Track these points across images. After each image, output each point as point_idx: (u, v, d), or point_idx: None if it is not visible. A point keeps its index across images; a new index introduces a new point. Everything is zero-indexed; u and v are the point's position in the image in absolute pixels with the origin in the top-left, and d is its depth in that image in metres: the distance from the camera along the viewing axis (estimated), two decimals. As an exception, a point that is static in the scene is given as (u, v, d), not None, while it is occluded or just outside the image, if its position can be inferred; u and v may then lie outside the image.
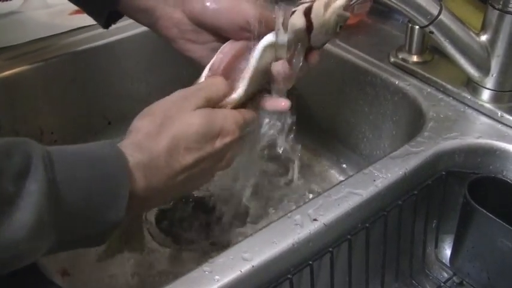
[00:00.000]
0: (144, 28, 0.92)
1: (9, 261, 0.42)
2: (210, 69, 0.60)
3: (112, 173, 0.47)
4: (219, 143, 0.55)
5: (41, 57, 0.85)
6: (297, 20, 0.59)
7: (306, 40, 0.60)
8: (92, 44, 0.89)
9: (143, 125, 0.53)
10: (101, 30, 0.91)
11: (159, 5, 0.63)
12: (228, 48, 0.60)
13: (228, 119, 0.56)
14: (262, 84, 0.62)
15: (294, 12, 0.59)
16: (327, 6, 0.59)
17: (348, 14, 0.61)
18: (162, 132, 0.52)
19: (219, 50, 0.61)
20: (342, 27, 0.61)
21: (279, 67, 0.59)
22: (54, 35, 0.90)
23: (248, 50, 0.60)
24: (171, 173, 0.52)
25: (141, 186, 0.50)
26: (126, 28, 0.93)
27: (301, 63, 0.61)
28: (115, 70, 0.92)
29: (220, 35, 0.63)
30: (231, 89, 0.59)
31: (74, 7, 0.96)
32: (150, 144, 0.51)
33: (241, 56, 0.60)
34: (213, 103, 0.56)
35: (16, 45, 0.87)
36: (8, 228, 0.40)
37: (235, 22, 0.60)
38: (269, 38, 0.59)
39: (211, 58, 0.61)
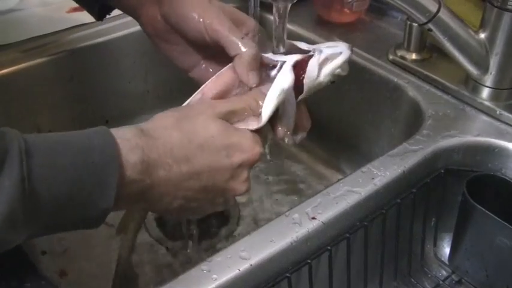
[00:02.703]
0: (141, 26, 0.93)
1: None
2: (202, 89, 0.56)
3: (98, 162, 0.45)
4: (236, 158, 0.51)
5: (39, 55, 0.85)
6: (284, 79, 0.55)
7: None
8: (90, 42, 0.89)
9: (159, 117, 0.51)
10: (98, 28, 0.91)
11: (141, 1, 0.63)
12: (207, 88, 0.56)
13: (247, 136, 0.53)
14: None
15: (282, 64, 0.55)
16: (321, 65, 0.55)
17: (346, 70, 0.57)
18: (176, 126, 0.50)
19: (199, 89, 0.56)
20: (334, 82, 0.57)
21: (282, 135, 0.57)
22: (51, 32, 0.89)
23: (233, 87, 0.56)
24: (178, 172, 0.49)
25: (136, 171, 0.47)
26: (124, 26, 0.93)
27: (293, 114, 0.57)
28: (113, 68, 0.92)
29: (189, 40, 0.61)
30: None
31: (72, 4, 0.96)
32: (161, 134, 0.49)
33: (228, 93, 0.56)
34: (236, 117, 0.53)
35: (13, 43, 0.86)
36: None
37: (197, 31, 0.58)
38: (279, 87, 0.54)
39: (181, 60, 0.61)
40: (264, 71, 0.57)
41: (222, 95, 0.56)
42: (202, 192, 0.52)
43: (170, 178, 0.49)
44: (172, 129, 0.50)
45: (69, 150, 0.44)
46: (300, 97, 0.56)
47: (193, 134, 0.50)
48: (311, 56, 0.56)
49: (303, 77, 0.55)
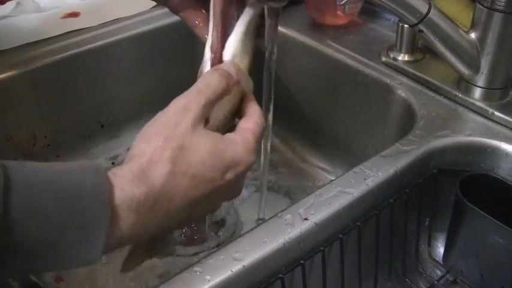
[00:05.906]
0: (136, 31, 0.94)
1: None
2: (210, 50, 0.57)
3: (86, 210, 0.41)
4: (231, 175, 0.50)
5: (33, 61, 0.85)
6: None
7: None
8: (84, 48, 0.89)
9: (143, 149, 0.47)
10: (93, 33, 0.92)
11: None
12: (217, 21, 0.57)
13: (239, 148, 0.50)
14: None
15: None
16: None
17: None
18: (163, 159, 0.46)
19: (210, 29, 0.57)
20: None
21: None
22: (46, 38, 0.90)
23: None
24: (171, 208, 0.47)
25: (129, 223, 0.44)
26: (118, 31, 0.93)
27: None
28: (107, 73, 0.93)
29: None
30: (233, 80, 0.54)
31: (66, 11, 0.97)
32: (151, 174, 0.46)
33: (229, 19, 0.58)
34: (215, 102, 0.51)
35: (8, 50, 0.87)
36: None
37: None
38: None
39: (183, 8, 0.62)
40: None
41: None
42: (192, 213, 0.50)
43: (165, 220, 0.47)
44: (160, 164, 0.46)
45: (54, 192, 0.41)
46: None
47: (182, 166, 0.47)
48: None
49: None
